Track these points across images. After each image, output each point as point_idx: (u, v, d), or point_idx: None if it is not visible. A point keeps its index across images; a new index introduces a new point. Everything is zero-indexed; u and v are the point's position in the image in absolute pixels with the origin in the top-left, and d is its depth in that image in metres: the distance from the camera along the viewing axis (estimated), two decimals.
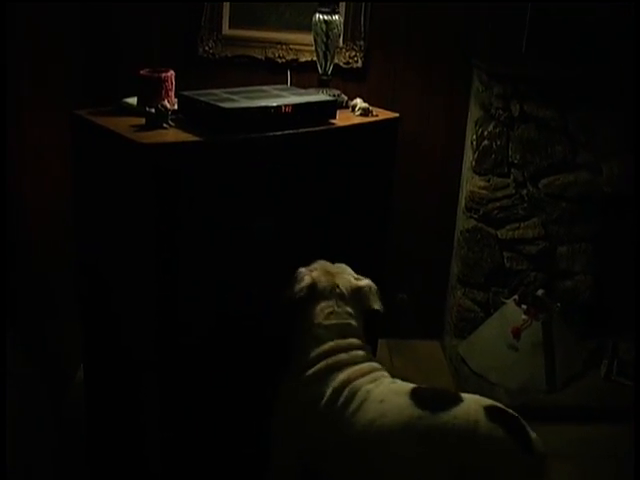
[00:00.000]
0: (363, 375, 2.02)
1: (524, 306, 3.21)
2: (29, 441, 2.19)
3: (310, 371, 2.02)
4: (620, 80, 3.07)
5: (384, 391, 1.98)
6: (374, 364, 2.10)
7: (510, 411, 1.95)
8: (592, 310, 3.43)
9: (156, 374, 2.18)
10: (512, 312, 3.23)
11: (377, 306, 2.17)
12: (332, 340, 2.06)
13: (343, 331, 2.09)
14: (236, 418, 2.41)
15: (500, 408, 1.95)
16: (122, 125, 2.12)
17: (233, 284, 2.26)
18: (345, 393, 1.97)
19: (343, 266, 2.24)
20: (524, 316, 3.17)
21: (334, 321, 2.09)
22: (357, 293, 2.16)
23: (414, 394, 1.94)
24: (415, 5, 3.15)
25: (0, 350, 2.04)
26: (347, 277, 2.18)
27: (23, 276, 2.51)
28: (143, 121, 2.13)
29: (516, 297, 3.27)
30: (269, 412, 2.13)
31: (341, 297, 2.12)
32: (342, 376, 2.00)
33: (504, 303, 3.31)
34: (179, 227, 2.07)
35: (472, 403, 1.91)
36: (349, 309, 2.12)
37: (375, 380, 2.03)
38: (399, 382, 2.05)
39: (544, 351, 3.15)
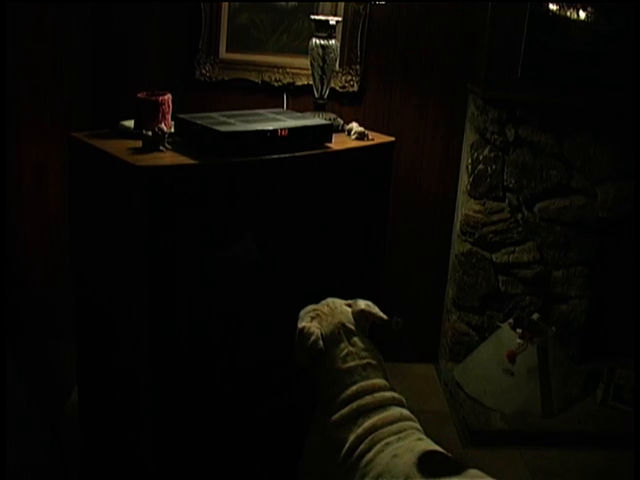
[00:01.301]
0: (390, 423, 1.93)
1: (519, 330, 3.20)
2: (23, 458, 2.17)
3: (335, 416, 1.95)
4: (616, 105, 3.09)
5: (402, 446, 1.87)
6: (404, 411, 2.00)
7: None
8: (588, 334, 3.43)
9: (151, 394, 2.17)
10: (507, 336, 3.22)
11: (383, 316, 2.10)
12: (355, 383, 1.97)
13: (364, 371, 2.01)
14: (230, 435, 2.39)
15: None
16: (119, 148, 2.13)
17: (228, 307, 2.26)
18: (366, 441, 1.89)
19: (332, 300, 2.16)
20: (519, 340, 3.17)
21: (352, 363, 2.00)
22: (360, 317, 2.09)
23: (423, 455, 1.83)
24: (411, 30, 3.18)
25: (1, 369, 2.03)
26: (344, 309, 2.11)
27: (19, 293, 2.50)
28: (140, 144, 2.14)
29: (511, 321, 3.26)
30: (267, 429, 2.10)
31: (350, 333, 2.05)
32: (368, 423, 1.92)
33: (499, 327, 3.31)
34: (174, 249, 2.07)
35: (462, 479, 1.76)
36: (363, 344, 2.05)
37: (401, 432, 1.92)
38: (425, 439, 1.93)
39: (540, 375, 3.14)
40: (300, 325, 2.04)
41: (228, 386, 2.33)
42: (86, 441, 2.55)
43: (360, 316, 2.09)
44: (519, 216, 3.30)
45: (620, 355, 3.34)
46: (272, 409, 2.43)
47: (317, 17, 2.69)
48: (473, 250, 3.32)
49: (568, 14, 3.01)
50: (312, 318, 2.06)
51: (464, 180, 3.31)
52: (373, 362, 2.04)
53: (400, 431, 1.92)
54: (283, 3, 3.09)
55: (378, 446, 1.87)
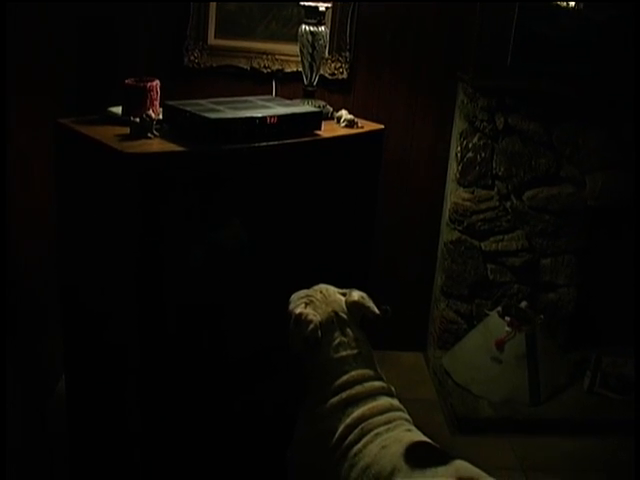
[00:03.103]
0: (380, 413, 1.94)
1: (507, 318, 3.21)
2: (10, 446, 2.17)
3: (325, 406, 1.95)
4: (605, 94, 3.09)
5: (391, 437, 1.88)
6: (393, 401, 2.01)
7: None
8: (575, 322, 3.45)
9: (138, 383, 2.17)
10: (496, 324, 3.23)
11: (376, 311, 2.09)
12: (346, 373, 1.98)
13: (355, 361, 2.01)
14: (219, 423, 2.39)
15: None
16: (106, 134, 2.11)
17: (217, 295, 2.25)
18: (356, 431, 1.90)
19: (326, 287, 2.15)
20: (507, 328, 3.18)
21: (344, 353, 2.00)
22: (354, 308, 2.08)
23: (411, 446, 1.84)
24: (401, 17, 3.17)
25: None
26: (338, 298, 2.10)
27: (5, 285, 2.48)
28: (128, 131, 2.12)
29: (500, 309, 3.27)
30: (256, 417, 2.10)
31: (343, 323, 2.04)
32: (357, 413, 1.92)
33: (487, 315, 3.32)
34: (162, 236, 2.06)
35: (448, 469, 1.75)
36: (355, 334, 2.05)
37: (390, 422, 1.93)
38: (413, 430, 1.95)
39: (527, 363, 3.16)
40: (297, 311, 2.02)
41: (217, 373, 2.33)
42: (73, 430, 2.54)
43: (353, 307, 2.08)
44: (508, 204, 3.30)
45: (607, 343, 3.35)
46: (261, 396, 2.42)
47: (306, 3, 2.66)
48: (462, 238, 3.32)
49: (558, 2, 3.01)
50: (306, 304, 2.05)
51: (453, 168, 3.31)
52: (364, 352, 2.04)
53: (389, 421, 1.93)
54: None
55: (367, 437, 1.88)
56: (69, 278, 2.38)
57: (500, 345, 3.17)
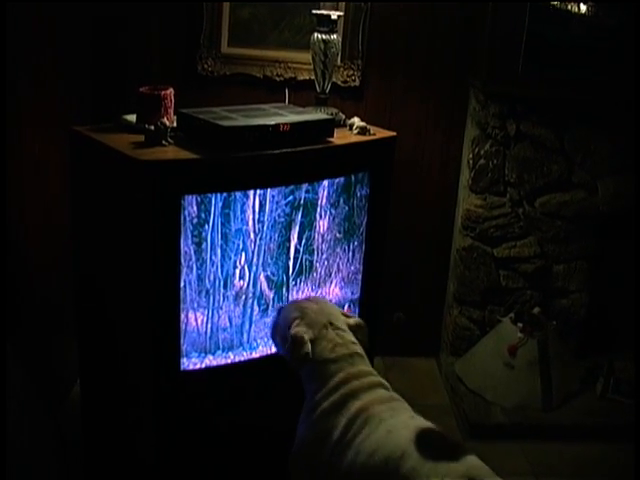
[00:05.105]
0: (382, 402, 1.96)
1: (520, 324, 3.21)
2: (25, 454, 2.18)
3: (325, 404, 1.97)
4: (617, 99, 3.09)
5: (396, 423, 1.89)
6: (393, 394, 2.03)
7: None
8: (588, 328, 3.44)
9: (152, 393, 2.18)
10: (508, 330, 3.23)
11: (366, 343, 2.15)
12: (342, 370, 2.01)
13: (351, 359, 2.04)
14: (231, 437, 2.40)
15: None
16: (121, 142, 2.13)
17: (232, 301, 2.27)
18: (359, 421, 1.91)
19: (322, 298, 2.22)
20: (520, 334, 3.18)
21: (340, 352, 2.04)
22: (353, 327, 2.13)
23: (421, 432, 1.85)
24: (412, 25, 3.18)
25: (0, 365, 2.04)
26: (335, 310, 2.15)
27: (21, 290, 2.51)
28: (142, 138, 2.14)
29: (512, 315, 3.27)
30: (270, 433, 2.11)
31: (338, 329, 2.08)
32: (358, 404, 1.94)
33: (500, 321, 3.32)
34: (177, 244, 2.08)
35: (459, 467, 1.74)
36: (350, 339, 2.08)
37: (393, 410, 1.95)
38: (417, 417, 1.95)
39: (540, 369, 3.15)
40: (292, 332, 2.04)
41: (231, 380, 2.35)
42: (88, 435, 2.55)
43: (354, 326, 2.14)
44: (520, 211, 3.31)
45: (620, 349, 3.35)
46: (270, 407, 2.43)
47: (319, 12, 2.69)
48: (474, 245, 3.33)
49: (569, 7, 3.02)
50: (301, 319, 2.08)
51: (465, 175, 3.32)
52: (360, 352, 2.08)
53: (392, 409, 1.94)
54: None
55: (372, 424, 1.89)
56: (84, 283, 2.40)
57: (512, 351, 3.17)
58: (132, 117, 2.31)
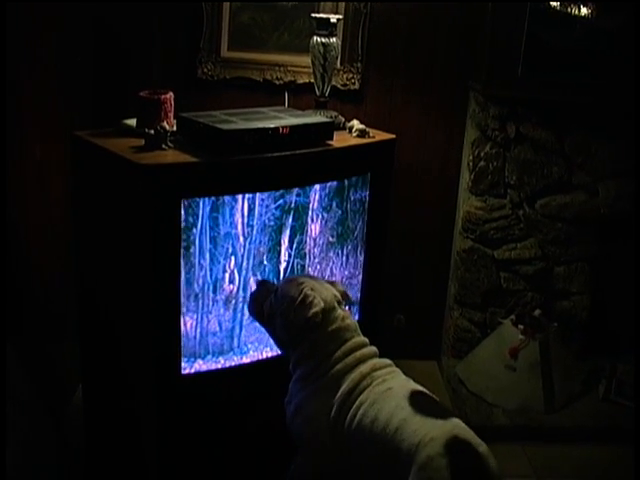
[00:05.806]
0: (382, 367, 2.12)
1: (521, 326, 3.20)
2: (27, 457, 2.18)
3: (339, 366, 2.08)
4: (617, 101, 3.09)
5: (396, 383, 2.07)
6: (388, 361, 2.17)
7: (480, 450, 1.94)
8: (589, 330, 3.44)
9: (154, 398, 2.18)
10: (509, 332, 3.23)
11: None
12: (352, 339, 2.13)
13: (354, 331, 2.15)
14: (232, 440, 2.40)
15: (466, 444, 1.92)
16: (121, 146, 2.14)
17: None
18: (364, 382, 2.05)
19: (312, 276, 2.29)
20: (521, 336, 3.17)
21: (348, 321, 2.14)
22: (343, 296, 2.22)
23: (415, 392, 2.03)
24: (412, 27, 3.19)
25: (0, 366, 2.04)
26: (328, 285, 2.20)
27: (23, 293, 2.51)
28: (142, 142, 2.15)
29: (513, 317, 3.27)
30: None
31: (339, 302, 2.17)
32: (365, 367, 2.08)
33: (501, 323, 3.31)
34: (177, 247, 2.08)
35: (446, 425, 1.92)
36: (345, 312, 2.18)
37: (393, 373, 2.12)
38: (413, 382, 2.12)
39: (542, 371, 3.15)
40: (306, 291, 2.09)
41: (233, 381, 2.35)
42: (90, 439, 2.56)
43: (343, 295, 2.23)
44: (520, 213, 3.31)
45: (622, 351, 3.34)
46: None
47: (318, 15, 2.69)
48: (474, 247, 3.33)
49: (569, 10, 3.02)
50: (311, 289, 2.12)
51: (465, 177, 3.32)
52: (355, 324, 2.18)
53: (393, 372, 2.13)
54: (284, 2, 3.09)
55: (375, 382, 2.05)
56: (86, 288, 2.40)
57: (514, 353, 3.16)
58: (132, 121, 2.32)
